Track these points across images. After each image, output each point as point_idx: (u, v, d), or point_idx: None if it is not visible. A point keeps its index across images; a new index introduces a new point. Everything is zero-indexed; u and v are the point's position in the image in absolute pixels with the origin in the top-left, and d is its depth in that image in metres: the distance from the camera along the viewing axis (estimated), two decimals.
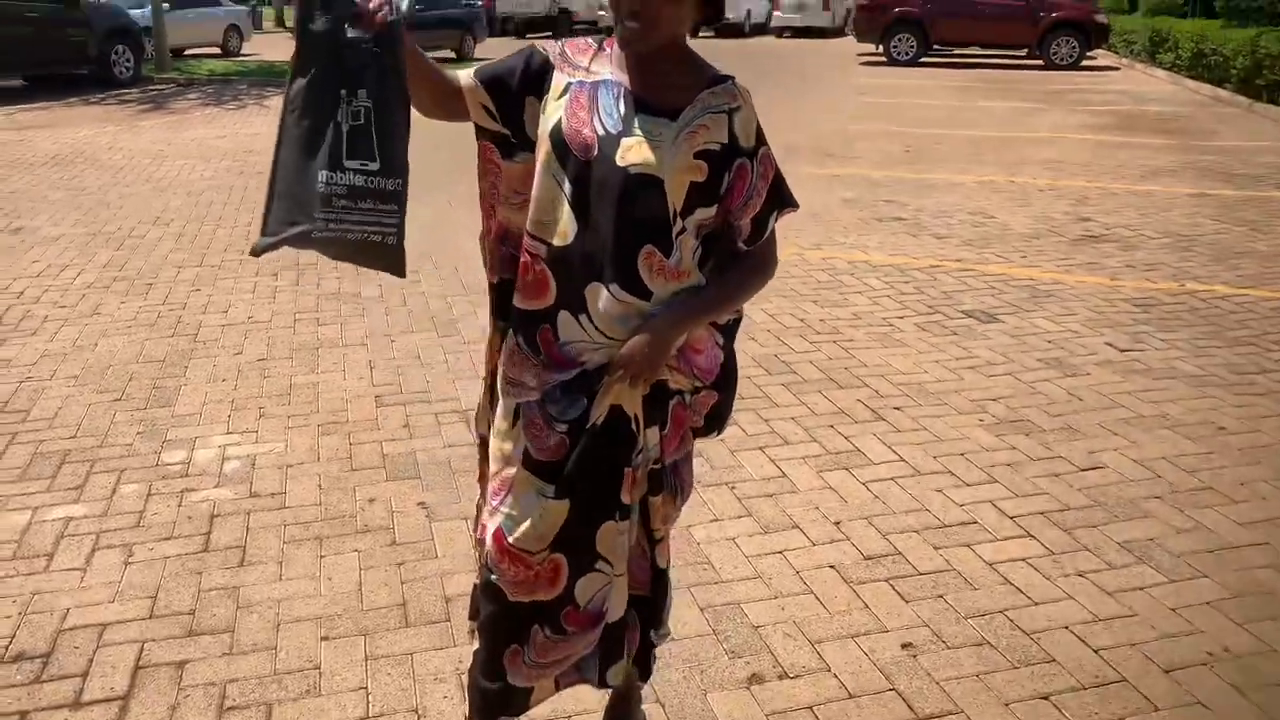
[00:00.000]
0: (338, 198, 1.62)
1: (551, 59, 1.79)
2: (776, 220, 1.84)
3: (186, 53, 22.12)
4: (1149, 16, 20.78)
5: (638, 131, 1.70)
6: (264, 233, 1.64)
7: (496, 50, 23.74)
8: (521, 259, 1.80)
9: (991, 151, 9.84)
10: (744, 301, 1.87)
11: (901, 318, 4.96)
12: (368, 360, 4.34)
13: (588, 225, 1.71)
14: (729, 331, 1.92)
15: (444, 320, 4.84)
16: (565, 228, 1.72)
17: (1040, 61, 19.74)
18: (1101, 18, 20.17)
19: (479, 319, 4.81)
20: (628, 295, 1.72)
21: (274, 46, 25.65)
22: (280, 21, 37.75)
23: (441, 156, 5.50)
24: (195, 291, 5.27)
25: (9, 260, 5.86)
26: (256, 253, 1.65)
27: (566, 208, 1.72)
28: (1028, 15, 19.83)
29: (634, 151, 1.68)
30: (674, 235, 1.72)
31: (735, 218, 1.78)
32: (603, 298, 1.72)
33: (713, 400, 1.92)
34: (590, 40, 1.83)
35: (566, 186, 1.72)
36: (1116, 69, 19.80)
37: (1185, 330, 4.80)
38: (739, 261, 1.82)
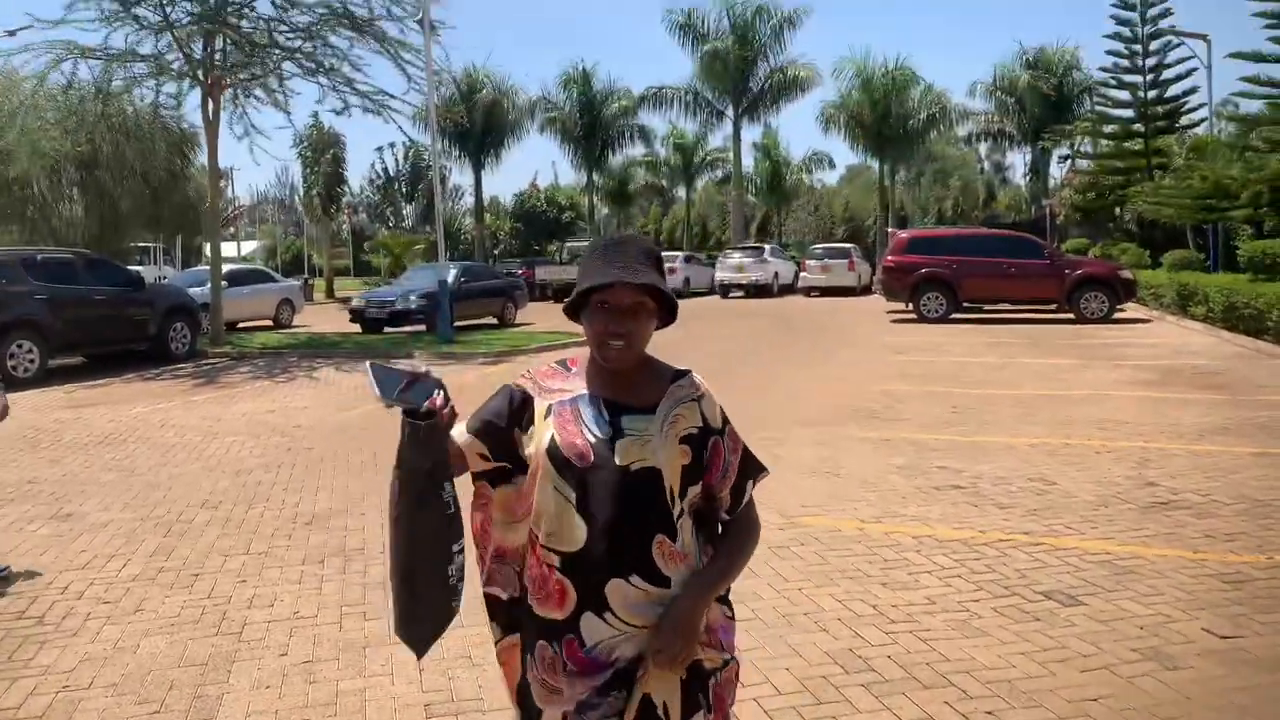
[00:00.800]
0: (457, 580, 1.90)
1: (529, 390, 2.02)
2: (753, 488, 2.04)
3: (240, 326, 23.21)
4: (1172, 271, 21.32)
5: (629, 431, 1.91)
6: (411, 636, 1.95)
7: (536, 314, 24.75)
8: (538, 572, 1.94)
9: (1039, 411, 9.78)
10: (744, 566, 2.05)
11: (977, 601, 4.68)
12: (417, 661, 4.10)
13: (597, 526, 1.87)
14: (729, 602, 2.05)
15: None
16: (576, 533, 1.88)
17: (1071, 315, 20.13)
18: (1126, 274, 20.72)
19: None
20: (648, 585, 1.88)
21: (325, 317, 26.92)
22: (330, 293, 39.85)
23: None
24: (241, 583, 5.13)
25: (57, 550, 5.79)
26: (418, 654, 1.98)
27: (574, 514, 1.89)
28: (1054, 273, 20.46)
29: (630, 451, 1.89)
30: (675, 520, 1.91)
31: (717, 491, 1.99)
32: (625, 591, 1.87)
33: (735, 670, 2.03)
34: (555, 364, 2.07)
35: (571, 495, 1.89)
36: (1148, 320, 20.12)
37: None
38: (729, 531, 2.02)
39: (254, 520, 6.36)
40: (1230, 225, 22.88)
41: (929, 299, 21.16)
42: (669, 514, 1.90)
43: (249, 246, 70.40)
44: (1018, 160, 72.46)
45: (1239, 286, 16.05)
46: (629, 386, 1.97)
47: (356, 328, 21.38)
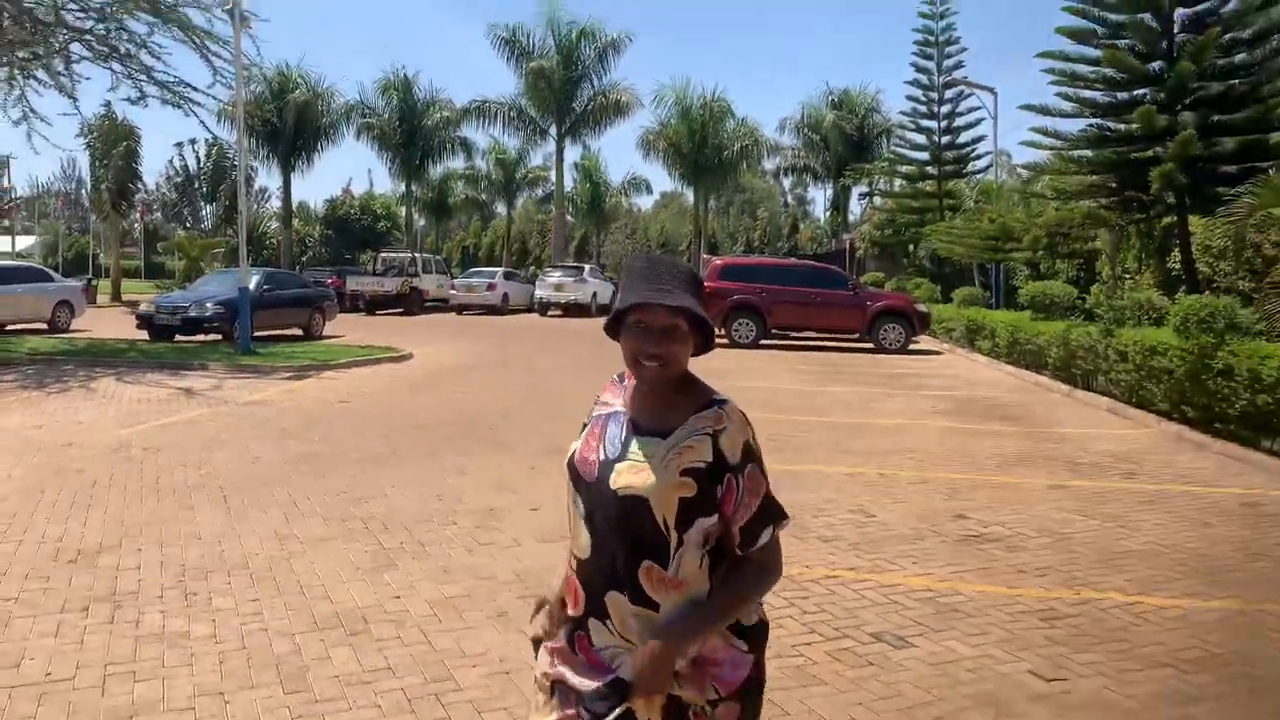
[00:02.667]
0: None
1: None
2: (775, 533, 1.97)
3: (8, 329, 21.01)
4: (961, 306, 22.67)
5: (631, 455, 1.93)
6: None
7: (346, 326, 23.63)
8: (565, 570, 2.06)
9: (850, 439, 9.97)
10: (747, 607, 1.95)
11: (809, 644, 4.55)
12: None
13: (597, 541, 1.94)
14: (754, 638, 1.97)
15: (291, 669, 4.10)
16: (585, 543, 1.97)
17: (871, 345, 21.06)
18: (922, 308, 21.95)
19: (333, 665, 4.14)
20: (637, 606, 1.91)
21: (109, 322, 24.78)
22: (117, 296, 36.83)
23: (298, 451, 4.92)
24: None
25: None
26: None
27: (583, 525, 1.97)
28: (857, 304, 21.41)
29: (623, 475, 1.91)
30: (671, 548, 1.90)
31: (732, 525, 1.94)
32: (620, 604, 1.92)
33: (735, 713, 1.93)
34: (615, 378, 2.12)
35: (581, 507, 1.98)
36: (940, 353, 21.26)
37: (1099, 650, 4.57)
38: (739, 569, 1.96)
39: (3, 558, 5.51)
40: (1010, 265, 24.57)
41: (740, 325, 21.61)
42: (662, 543, 1.90)
43: (25, 242, 64.60)
44: (819, 195, 76.02)
45: (1022, 324, 17.11)
46: (659, 408, 1.98)
47: (144, 334, 19.71)
